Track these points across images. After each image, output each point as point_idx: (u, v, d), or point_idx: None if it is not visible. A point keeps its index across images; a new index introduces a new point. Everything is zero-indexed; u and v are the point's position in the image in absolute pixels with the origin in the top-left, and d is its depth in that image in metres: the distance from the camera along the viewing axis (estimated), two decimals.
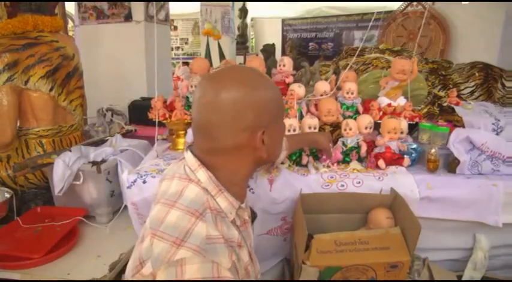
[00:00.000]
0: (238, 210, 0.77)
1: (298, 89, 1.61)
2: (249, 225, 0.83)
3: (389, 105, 1.60)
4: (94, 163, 1.65)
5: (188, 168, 0.76)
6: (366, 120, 1.50)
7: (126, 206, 1.54)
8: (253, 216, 0.99)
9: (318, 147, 1.43)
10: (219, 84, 0.73)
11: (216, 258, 0.63)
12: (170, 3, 3.32)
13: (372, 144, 1.51)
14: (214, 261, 0.62)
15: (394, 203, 1.33)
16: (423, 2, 4.33)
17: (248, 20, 6.69)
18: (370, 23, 1.89)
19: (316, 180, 1.38)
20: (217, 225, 0.68)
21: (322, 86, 1.65)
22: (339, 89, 1.70)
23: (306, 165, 1.48)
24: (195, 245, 0.63)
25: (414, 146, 1.50)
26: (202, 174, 0.74)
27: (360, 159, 1.51)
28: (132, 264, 0.68)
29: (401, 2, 4.52)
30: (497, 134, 1.50)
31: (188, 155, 0.78)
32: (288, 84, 1.71)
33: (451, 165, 1.46)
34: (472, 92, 2.01)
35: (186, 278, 0.59)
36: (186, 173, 0.75)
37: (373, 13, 4.99)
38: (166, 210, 0.69)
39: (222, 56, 2.99)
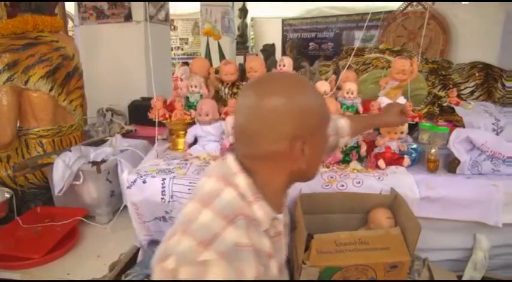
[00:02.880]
0: (273, 221, 0.75)
1: None
2: (284, 237, 0.80)
3: None
4: (94, 163, 1.65)
5: (229, 171, 0.74)
6: None
7: (126, 206, 1.55)
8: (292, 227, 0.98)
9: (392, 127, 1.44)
10: (261, 89, 0.72)
11: (241, 265, 0.61)
12: (170, 3, 3.31)
13: (372, 144, 1.51)
14: (239, 269, 0.61)
15: (394, 203, 1.33)
16: (423, 2, 4.33)
17: (248, 20, 6.69)
18: (366, 23, 1.89)
19: (316, 180, 1.38)
20: (249, 233, 0.66)
21: (322, 86, 1.65)
22: (339, 89, 1.70)
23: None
24: (222, 249, 0.61)
25: (414, 146, 1.50)
26: (242, 180, 0.72)
27: (360, 159, 1.51)
28: (157, 257, 0.66)
29: (401, 2, 4.52)
30: (497, 134, 1.50)
31: (230, 158, 0.76)
32: None
33: (451, 165, 1.46)
34: (472, 92, 2.02)
35: (208, 279, 0.58)
36: (226, 175, 0.74)
37: (373, 13, 4.99)
38: (199, 209, 0.68)
39: (222, 56, 2.98)
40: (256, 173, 0.74)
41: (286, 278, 0.82)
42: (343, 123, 1.15)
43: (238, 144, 0.76)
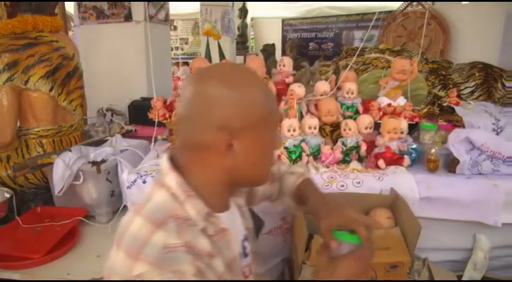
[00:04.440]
0: (209, 217, 0.70)
1: (298, 89, 1.61)
2: (230, 233, 0.74)
3: (389, 105, 1.60)
4: (94, 163, 1.65)
5: (162, 172, 0.72)
6: (366, 120, 1.50)
7: (126, 206, 1.54)
8: (259, 224, 0.96)
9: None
10: (198, 77, 0.71)
11: (176, 266, 0.59)
12: (170, 3, 3.31)
13: (372, 144, 1.51)
14: (175, 271, 0.59)
15: (394, 203, 1.33)
16: (423, 2, 4.33)
17: (248, 20, 6.69)
18: (372, 22, 1.89)
19: (316, 180, 1.38)
20: (181, 234, 0.64)
21: (322, 86, 1.65)
22: (339, 89, 1.70)
23: (306, 165, 1.48)
24: (152, 257, 0.60)
25: (414, 146, 1.50)
26: (172, 179, 0.70)
27: (360, 159, 1.51)
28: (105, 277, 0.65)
29: (401, 2, 4.52)
30: (497, 134, 1.50)
31: (163, 158, 0.74)
32: (288, 84, 1.71)
33: (451, 165, 1.46)
34: (472, 92, 2.02)
35: None
36: (160, 176, 0.72)
37: (373, 13, 4.99)
38: (132, 218, 0.66)
39: (222, 56, 2.99)
40: (192, 169, 0.72)
41: (239, 275, 0.78)
42: (290, 183, 1.00)
43: (178, 135, 0.76)
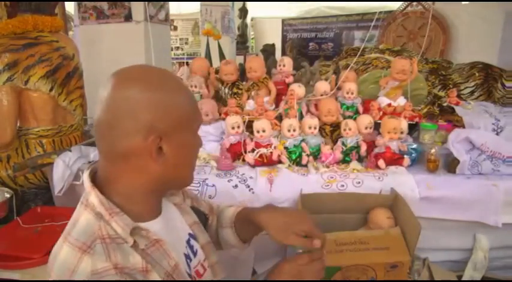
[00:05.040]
0: (138, 231, 0.67)
1: (298, 89, 1.61)
2: (164, 243, 0.71)
3: (389, 105, 1.60)
4: (94, 163, 1.65)
5: (86, 191, 0.69)
6: (366, 120, 1.50)
7: None
8: (203, 218, 0.93)
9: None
10: (117, 80, 0.67)
11: None
12: (170, 3, 3.32)
13: (372, 144, 1.51)
14: None
15: (394, 203, 1.33)
16: (424, 2, 4.33)
17: (248, 20, 6.69)
18: (373, 23, 1.89)
19: (316, 180, 1.38)
20: (110, 256, 0.62)
21: (322, 86, 1.65)
22: (339, 89, 1.70)
23: (306, 165, 1.48)
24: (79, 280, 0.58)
25: (414, 146, 1.50)
26: (94, 198, 0.67)
27: (360, 159, 1.51)
28: None
29: (401, 2, 4.52)
30: (497, 134, 1.50)
31: (84, 176, 0.71)
32: (288, 84, 1.71)
33: (451, 165, 1.46)
34: (472, 92, 2.02)
35: None
36: (84, 195, 0.69)
37: (373, 13, 4.99)
38: (61, 245, 0.65)
39: (222, 56, 2.99)
40: (117, 180, 0.69)
41: (187, 278, 0.76)
42: (230, 213, 0.98)
43: (98, 143, 0.70)
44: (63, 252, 0.64)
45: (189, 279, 0.77)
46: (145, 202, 0.72)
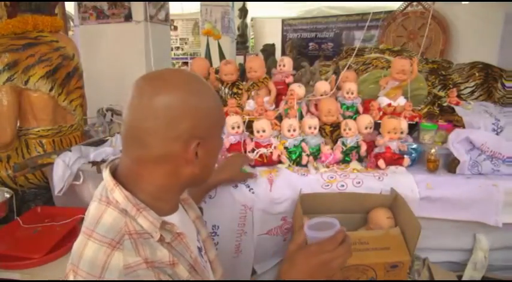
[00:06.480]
0: (165, 226, 0.69)
1: (298, 89, 1.61)
2: (186, 236, 0.73)
3: (389, 105, 1.60)
4: (94, 163, 1.65)
5: (107, 188, 0.70)
6: (365, 120, 1.50)
7: None
8: (199, 212, 0.94)
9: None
10: (155, 86, 0.67)
11: None
12: (170, 3, 3.32)
13: (372, 144, 1.51)
14: None
15: (394, 203, 1.33)
16: (424, 2, 4.33)
17: (248, 20, 6.70)
18: (367, 23, 1.89)
19: (316, 180, 1.38)
20: (139, 251, 0.63)
21: (322, 86, 1.65)
22: (339, 89, 1.70)
23: (306, 165, 1.48)
24: (114, 280, 0.59)
25: (414, 146, 1.50)
26: (119, 195, 0.67)
27: (360, 159, 1.51)
28: None
29: (401, 2, 4.52)
30: (497, 134, 1.50)
31: (105, 174, 0.71)
32: (288, 84, 1.71)
33: (451, 165, 1.46)
34: (472, 92, 2.02)
35: None
36: (106, 193, 0.70)
37: (373, 13, 4.99)
38: (85, 242, 0.65)
39: (222, 56, 2.99)
40: (143, 179, 0.69)
41: (203, 272, 0.77)
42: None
43: (127, 146, 0.70)
44: (89, 249, 0.64)
45: (206, 272, 0.79)
46: (169, 199, 0.75)
